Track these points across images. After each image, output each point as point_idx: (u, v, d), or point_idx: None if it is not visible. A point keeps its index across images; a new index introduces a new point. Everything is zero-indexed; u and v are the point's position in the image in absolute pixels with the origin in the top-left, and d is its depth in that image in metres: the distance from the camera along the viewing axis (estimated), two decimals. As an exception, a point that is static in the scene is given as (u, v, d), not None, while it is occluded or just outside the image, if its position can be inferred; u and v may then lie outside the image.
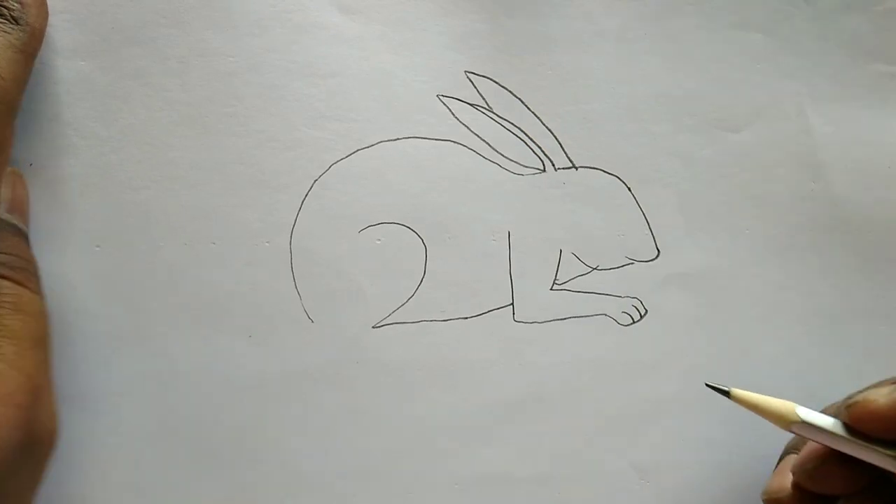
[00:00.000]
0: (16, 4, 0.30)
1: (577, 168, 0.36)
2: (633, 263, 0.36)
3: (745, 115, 0.37)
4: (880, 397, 0.27)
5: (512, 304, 0.36)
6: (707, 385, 0.29)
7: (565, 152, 0.36)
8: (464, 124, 0.36)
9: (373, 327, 0.35)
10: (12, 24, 0.30)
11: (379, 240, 0.35)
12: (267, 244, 0.34)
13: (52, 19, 0.33)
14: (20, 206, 0.32)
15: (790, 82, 0.37)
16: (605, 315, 0.36)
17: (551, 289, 0.36)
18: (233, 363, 0.34)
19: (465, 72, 0.36)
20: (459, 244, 0.36)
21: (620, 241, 0.36)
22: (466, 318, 0.35)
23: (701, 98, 0.37)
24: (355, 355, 0.35)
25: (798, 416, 0.28)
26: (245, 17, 0.34)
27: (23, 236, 0.32)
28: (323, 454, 0.34)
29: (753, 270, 0.37)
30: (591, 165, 0.36)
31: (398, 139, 0.35)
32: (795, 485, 0.30)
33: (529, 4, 0.36)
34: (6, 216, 0.31)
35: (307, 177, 0.35)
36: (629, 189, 0.36)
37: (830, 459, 0.29)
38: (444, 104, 0.36)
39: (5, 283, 0.30)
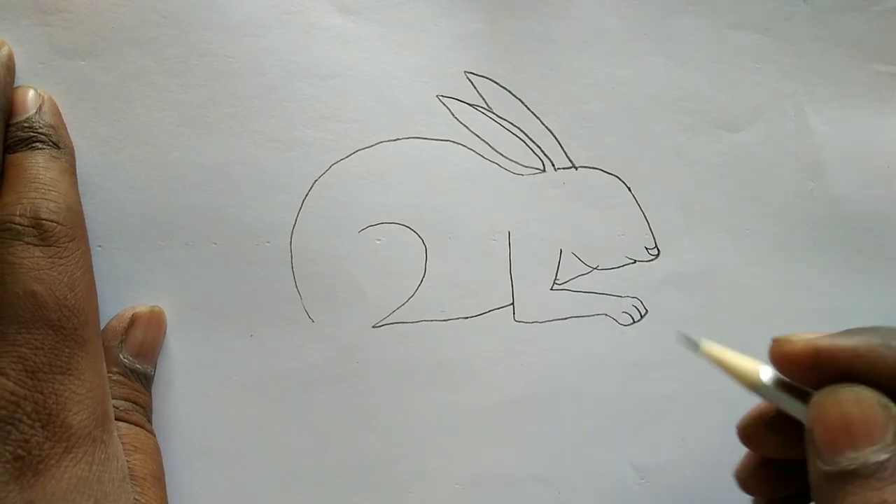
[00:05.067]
0: (50, 129, 0.31)
1: (577, 168, 0.36)
2: (633, 263, 0.36)
3: (745, 115, 0.37)
4: (800, 339, 0.25)
5: (512, 303, 0.36)
6: (685, 337, 0.27)
7: (565, 152, 0.36)
8: (464, 124, 0.36)
9: (373, 327, 0.35)
10: (56, 148, 0.31)
11: (379, 240, 0.35)
12: (267, 244, 0.34)
13: (52, 19, 0.33)
14: (148, 350, 0.33)
15: (790, 82, 0.37)
16: (605, 315, 0.36)
17: (551, 289, 0.36)
18: (233, 363, 0.34)
19: (465, 72, 0.36)
20: (459, 244, 0.36)
21: (620, 241, 0.36)
22: (467, 318, 0.35)
23: (701, 98, 0.37)
24: (355, 355, 0.35)
25: (760, 377, 0.26)
26: (245, 18, 0.34)
27: (147, 380, 0.33)
28: (323, 454, 0.34)
29: (753, 270, 0.37)
30: (591, 165, 0.36)
31: (398, 139, 0.35)
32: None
33: (529, 4, 0.36)
34: (129, 361, 0.32)
35: (307, 177, 0.35)
36: (629, 189, 0.37)
37: (760, 420, 0.28)
38: (444, 104, 0.36)
39: (122, 424, 0.31)
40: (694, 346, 0.27)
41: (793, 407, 0.25)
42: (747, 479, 0.30)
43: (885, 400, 0.23)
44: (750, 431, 0.28)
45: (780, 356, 0.25)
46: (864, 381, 0.24)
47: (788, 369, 0.25)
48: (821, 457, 0.23)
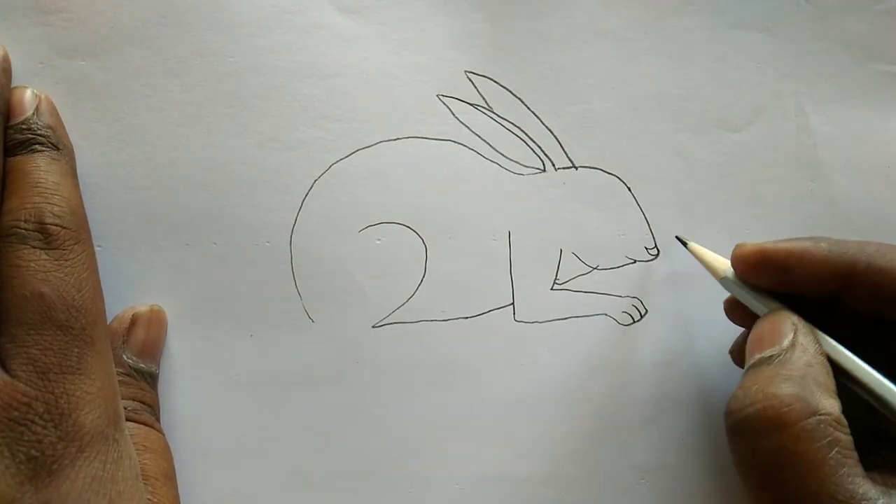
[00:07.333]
0: (49, 130, 0.31)
1: (577, 168, 0.36)
2: (633, 263, 0.36)
3: (745, 115, 0.37)
4: (752, 244, 0.32)
5: (512, 303, 0.36)
6: (676, 237, 0.36)
7: (565, 152, 0.36)
8: (464, 124, 0.36)
9: (373, 327, 0.35)
10: (56, 150, 0.31)
11: (379, 240, 0.35)
12: (267, 244, 0.34)
13: (52, 19, 0.33)
14: (151, 349, 0.33)
15: (790, 82, 0.37)
16: (606, 315, 0.36)
17: (552, 288, 0.36)
18: (233, 363, 0.34)
19: (465, 72, 0.36)
20: (459, 244, 0.36)
21: (620, 241, 0.36)
22: (467, 317, 0.35)
23: (701, 98, 0.37)
24: (355, 355, 0.35)
25: (724, 270, 0.33)
26: (245, 17, 0.34)
27: (152, 379, 0.33)
28: (323, 454, 0.34)
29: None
30: (591, 165, 0.36)
31: (398, 139, 0.35)
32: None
33: (529, 4, 0.36)
34: (133, 361, 0.32)
35: (307, 177, 0.35)
36: (629, 189, 0.37)
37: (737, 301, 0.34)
38: (444, 104, 0.36)
39: (131, 424, 0.31)
40: (683, 243, 0.35)
41: (743, 296, 0.33)
42: (736, 352, 0.35)
43: (796, 319, 0.31)
44: (730, 306, 0.35)
45: (737, 257, 0.32)
46: (799, 271, 0.31)
47: (744, 267, 0.32)
48: (746, 361, 0.31)
